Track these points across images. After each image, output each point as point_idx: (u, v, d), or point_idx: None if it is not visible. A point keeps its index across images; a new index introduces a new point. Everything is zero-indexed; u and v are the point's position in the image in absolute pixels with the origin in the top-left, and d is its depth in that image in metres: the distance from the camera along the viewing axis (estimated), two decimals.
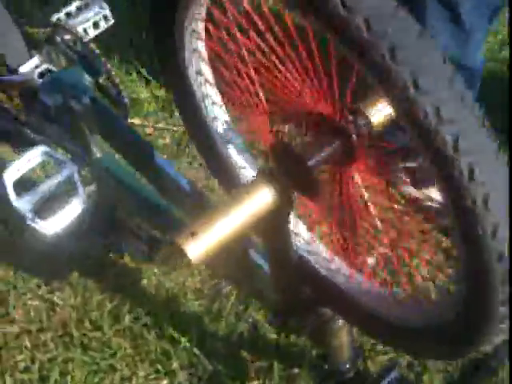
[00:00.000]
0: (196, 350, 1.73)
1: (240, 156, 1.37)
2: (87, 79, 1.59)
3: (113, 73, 1.57)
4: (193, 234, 1.05)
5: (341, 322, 1.38)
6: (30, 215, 1.44)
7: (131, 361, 1.74)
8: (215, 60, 1.24)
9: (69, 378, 1.72)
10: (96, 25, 1.67)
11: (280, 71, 1.11)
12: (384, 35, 0.87)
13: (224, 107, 1.33)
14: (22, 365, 1.75)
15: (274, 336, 1.74)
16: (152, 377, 1.72)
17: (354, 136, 1.09)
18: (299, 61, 1.10)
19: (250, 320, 1.78)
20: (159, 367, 1.73)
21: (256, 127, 1.20)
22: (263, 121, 1.16)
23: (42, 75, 1.66)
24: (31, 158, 1.47)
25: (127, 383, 1.72)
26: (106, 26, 1.68)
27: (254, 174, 1.29)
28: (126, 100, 1.58)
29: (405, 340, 1.24)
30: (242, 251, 1.45)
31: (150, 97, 2.09)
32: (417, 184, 1.80)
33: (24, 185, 1.49)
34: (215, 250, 1.07)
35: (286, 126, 1.13)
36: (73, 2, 1.67)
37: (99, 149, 1.60)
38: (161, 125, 2.13)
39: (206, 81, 1.30)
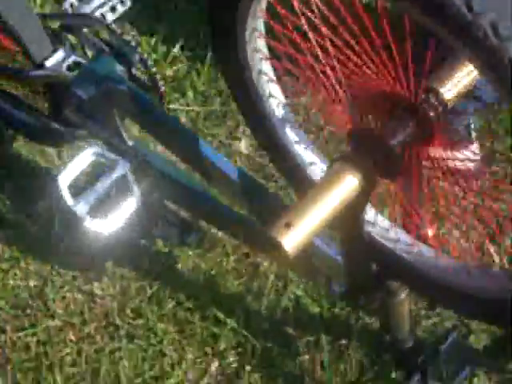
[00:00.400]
0: (242, 330, 1.74)
1: (308, 152, 1.37)
2: (120, 68, 1.57)
3: (148, 61, 1.55)
4: (287, 225, 1.06)
5: (404, 294, 1.40)
6: (87, 217, 1.43)
7: (179, 345, 1.75)
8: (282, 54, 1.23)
9: (119, 367, 1.72)
10: (113, 9, 1.64)
11: (356, 57, 1.11)
12: None
13: (289, 106, 1.33)
14: (68, 359, 1.75)
15: (317, 310, 1.76)
16: (201, 360, 1.73)
17: (430, 113, 1.10)
18: (374, 46, 1.10)
19: (292, 296, 1.79)
20: (207, 349, 1.74)
21: (333, 116, 1.21)
22: (340, 109, 1.17)
23: (69, 68, 1.63)
24: (83, 160, 1.45)
25: (177, 367, 1.72)
26: (123, 10, 1.65)
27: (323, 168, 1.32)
28: (164, 88, 1.57)
29: (470, 306, 1.27)
30: None
31: (160, 78, 2.06)
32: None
33: (77, 186, 1.47)
34: (309, 239, 1.07)
35: (364, 111, 1.14)
36: None
37: (137, 140, 1.58)
38: (173, 106, 2.11)
39: (270, 80, 1.30)
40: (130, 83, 1.56)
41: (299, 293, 1.79)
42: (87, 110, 1.58)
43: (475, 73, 1.10)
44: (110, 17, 1.64)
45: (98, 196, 1.45)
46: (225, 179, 1.49)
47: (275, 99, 1.32)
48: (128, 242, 1.79)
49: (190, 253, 1.87)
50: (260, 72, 1.29)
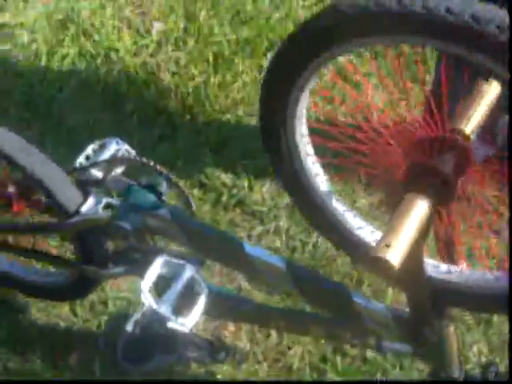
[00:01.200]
0: None
1: (355, 219, 1.61)
2: (152, 196, 1.79)
3: (179, 184, 1.78)
4: (388, 246, 1.29)
5: (452, 327, 1.62)
6: (171, 317, 1.61)
7: None
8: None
9: None
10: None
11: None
12: None
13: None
14: None
15: None
16: None
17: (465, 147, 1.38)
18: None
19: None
20: None
21: (391, 167, 1.47)
22: (396, 160, 1.43)
23: (105, 208, 1.82)
24: (156, 268, 1.65)
25: None
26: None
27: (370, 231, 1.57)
28: (193, 204, 1.79)
29: None
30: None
31: None
32: None
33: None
34: (405, 255, 1.30)
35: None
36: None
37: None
38: None
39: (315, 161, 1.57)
40: (165, 205, 1.76)
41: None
42: (134, 239, 1.77)
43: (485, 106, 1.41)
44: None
45: (175, 297, 1.63)
46: (272, 270, 1.70)
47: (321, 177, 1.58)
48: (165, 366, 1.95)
49: (225, 367, 2.01)
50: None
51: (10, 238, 2.04)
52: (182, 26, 2.75)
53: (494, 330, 2.06)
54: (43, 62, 2.67)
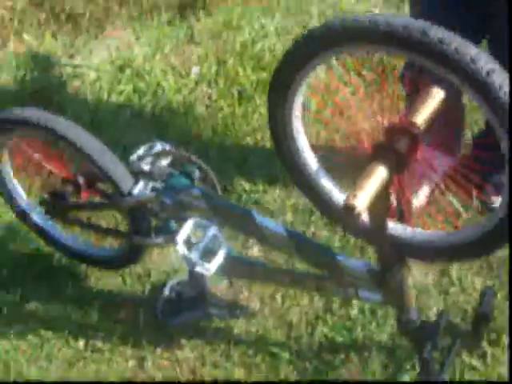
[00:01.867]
0: None
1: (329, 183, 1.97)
2: (187, 181, 2.15)
3: (209, 171, 2.14)
4: (355, 196, 1.64)
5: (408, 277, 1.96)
6: (199, 261, 1.96)
7: None
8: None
9: None
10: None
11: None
12: None
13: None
14: None
15: None
16: None
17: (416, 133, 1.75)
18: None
19: None
20: None
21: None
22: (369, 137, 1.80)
23: (151, 191, 2.19)
24: (188, 227, 2.01)
25: None
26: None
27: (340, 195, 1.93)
28: (219, 187, 2.15)
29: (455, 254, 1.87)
30: None
31: None
32: None
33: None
34: (369, 206, 1.65)
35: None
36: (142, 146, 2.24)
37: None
38: None
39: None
40: (197, 187, 2.12)
41: None
42: (173, 212, 2.13)
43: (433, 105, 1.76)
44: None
45: (202, 249, 1.98)
46: (278, 236, 2.04)
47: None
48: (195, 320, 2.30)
49: (240, 322, 2.34)
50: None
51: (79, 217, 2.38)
52: (214, 69, 3.10)
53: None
54: (105, 96, 3.09)
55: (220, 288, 2.40)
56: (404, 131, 1.75)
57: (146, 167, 2.22)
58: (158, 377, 2.25)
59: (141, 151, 2.25)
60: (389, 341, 2.25)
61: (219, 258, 2.03)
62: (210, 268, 2.01)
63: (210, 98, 3.08)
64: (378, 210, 1.81)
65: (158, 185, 2.20)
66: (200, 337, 2.34)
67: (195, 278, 2.29)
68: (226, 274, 2.18)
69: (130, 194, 2.21)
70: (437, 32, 1.58)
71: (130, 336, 2.36)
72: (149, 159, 2.22)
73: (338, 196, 1.96)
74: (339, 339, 2.28)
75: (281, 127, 1.90)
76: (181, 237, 2.01)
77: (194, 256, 1.99)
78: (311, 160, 1.96)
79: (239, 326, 2.36)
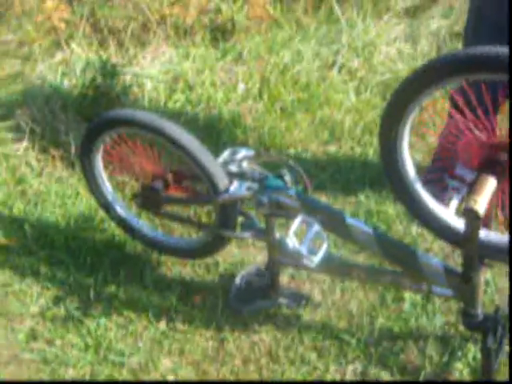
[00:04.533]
0: None
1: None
2: (281, 182, 2.19)
3: (303, 175, 2.18)
4: (475, 201, 1.73)
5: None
6: (306, 254, 2.00)
7: None
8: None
9: None
10: None
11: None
12: None
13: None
14: None
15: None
16: None
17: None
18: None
19: None
20: None
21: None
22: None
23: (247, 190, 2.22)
24: (297, 222, 2.06)
25: None
26: None
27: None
28: (310, 186, 2.20)
29: None
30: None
31: None
32: None
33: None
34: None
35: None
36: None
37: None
38: None
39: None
40: (290, 188, 2.17)
41: None
42: (268, 208, 2.17)
43: None
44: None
45: (308, 243, 2.02)
46: (364, 234, 2.10)
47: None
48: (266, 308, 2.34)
49: (305, 312, 2.39)
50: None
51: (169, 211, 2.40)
52: (258, 86, 3.15)
53: None
54: (162, 103, 3.06)
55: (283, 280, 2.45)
56: (505, 146, 1.86)
57: (238, 169, 2.26)
58: (238, 356, 2.28)
59: (226, 154, 2.29)
60: (440, 332, 2.34)
61: (322, 252, 2.08)
62: (314, 260, 2.05)
63: (256, 111, 3.14)
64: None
65: (253, 185, 2.24)
66: (272, 323, 2.37)
67: (270, 270, 2.33)
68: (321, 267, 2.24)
69: (226, 191, 2.23)
70: None
71: (208, 320, 2.39)
72: (238, 162, 2.26)
73: (434, 206, 2.07)
74: (396, 329, 2.35)
75: (393, 142, 1.98)
76: (291, 231, 2.04)
77: (303, 249, 2.03)
78: (411, 172, 2.05)
79: (305, 314, 2.40)
